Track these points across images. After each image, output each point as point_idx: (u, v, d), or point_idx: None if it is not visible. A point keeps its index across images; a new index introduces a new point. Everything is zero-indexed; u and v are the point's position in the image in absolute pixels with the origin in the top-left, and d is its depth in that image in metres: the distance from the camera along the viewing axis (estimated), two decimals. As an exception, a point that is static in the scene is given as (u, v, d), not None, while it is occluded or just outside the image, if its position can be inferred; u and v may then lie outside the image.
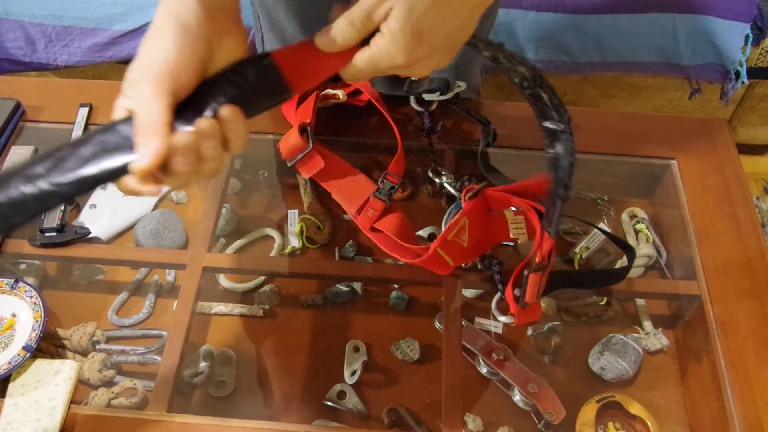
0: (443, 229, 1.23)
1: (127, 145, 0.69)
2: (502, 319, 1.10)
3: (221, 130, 0.72)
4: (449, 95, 1.31)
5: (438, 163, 1.30)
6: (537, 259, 1.01)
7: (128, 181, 0.70)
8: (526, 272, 1.01)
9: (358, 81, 0.82)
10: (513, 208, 1.14)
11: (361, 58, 0.78)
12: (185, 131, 0.69)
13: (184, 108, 0.70)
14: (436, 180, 1.29)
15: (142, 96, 0.69)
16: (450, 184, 1.28)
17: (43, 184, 0.69)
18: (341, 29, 0.76)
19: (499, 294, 1.13)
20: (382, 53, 0.76)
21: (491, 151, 1.30)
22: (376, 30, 0.76)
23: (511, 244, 1.25)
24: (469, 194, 1.10)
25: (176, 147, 0.69)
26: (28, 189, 0.69)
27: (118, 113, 0.72)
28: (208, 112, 0.71)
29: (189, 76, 0.71)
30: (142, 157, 0.68)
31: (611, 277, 1.19)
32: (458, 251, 1.10)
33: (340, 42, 0.77)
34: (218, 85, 0.73)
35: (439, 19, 0.76)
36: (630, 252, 1.18)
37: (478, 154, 1.29)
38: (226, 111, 0.72)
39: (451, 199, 1.28)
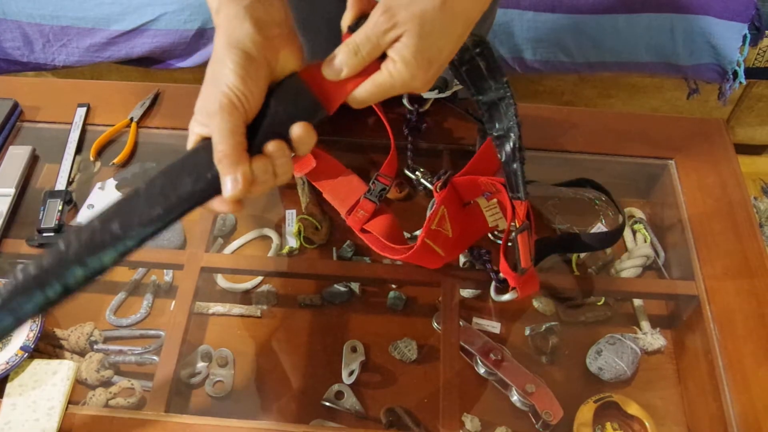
0: (427, 213, 1.24)
1: (208, 171, 0.75)
2: (505, 297, 1.11)
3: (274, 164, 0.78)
4: (447, 93, 1.31)
5: (420, 161, 1.31)
6: (517, 223, 1.03)
7: (216, 204, 0.78)
8: (513, 234, 1.04)
9: (365, 106, 0.82)
10: (485, 194, 1.14)
11: (372, 85, 0.79)
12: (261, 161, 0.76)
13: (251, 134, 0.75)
14: (412, 176, 1.30)
15: (219, 127, 0.72)
16: (427, 180, 1.28)
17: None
18: (346, 60, 0.77)
19: (494, 282, 1.14)
20: (395, 80, 0.77)
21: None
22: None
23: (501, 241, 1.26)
24: (439, 185, 1.13)
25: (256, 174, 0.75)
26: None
27: (191, 138, 0.78)
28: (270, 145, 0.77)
29: (257, 102, 0.74)
30: (233, 185, 0.75)
31: (602, 240, 1.20)
32: (444, 241, 1.11)
33: (347, 72, 0.78)
34: (266, 116, 0.76)
35: (446, 40, 0.77)
36: (621, 214, 1.20)
37: (475, 149, 1.29)
38: (273, 147, 0.77)
39: (431, 194, 1.29)
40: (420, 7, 0.74)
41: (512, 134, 0.97)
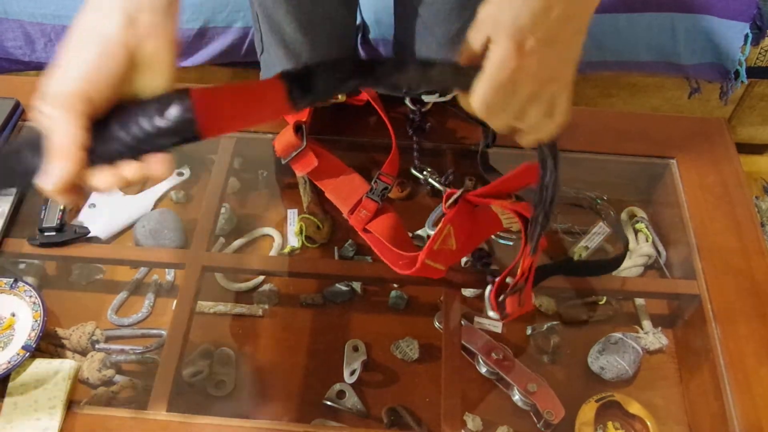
0: (427, 230, 1.22)
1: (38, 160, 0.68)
2: (491, 314, 1.08)
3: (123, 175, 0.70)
4: (448, 97, 1.31)
5: (425, 160, 1.30)
6: (518, 274, 1.01)
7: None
8: (501, 298, 1.03)
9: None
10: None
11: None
12: (99, 175, 0.68)
13: (98, 131, 0.68)
14: (419, 176, 1.30)
15: (58, 115, 0.66)
16: (435, 179, 1.28)
17: None
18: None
19: (489, 287, 1.13)
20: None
21: (491, 151, 1.30)
22: None
23: (508, 242, 1.26)
24: (449, 201, 1.07)
25: (86, 178, 0.68)
26: None
27: (37, 118, 0.69)
28: (117, 150, 0.69)
29: (107, 95, 0.68)
30: (48, 178, 0.67)
31: (603, 267, 1.20)
32: (447, 255, 1.09)
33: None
34: (130, 119, 0.69)
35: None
36: (625, 244, 1.19)
37: (478, 154, 1.29)
38: (130, 171, 0.70)
39: (437, 193, 1.29)
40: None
41: (548, 197, 0.93)
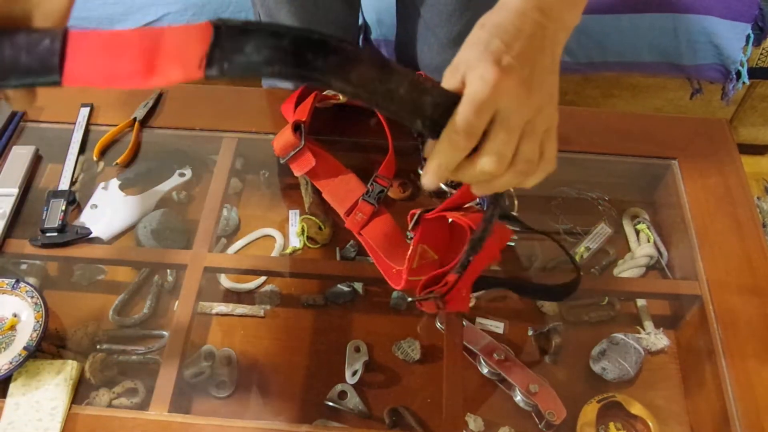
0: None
1: None
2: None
3: None
4: None
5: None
6: (439, 284, 1.01)
7: None
8: (416, 301, 1.04)
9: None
10: None
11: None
12: None
13: None
14: None
15: None
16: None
17: None
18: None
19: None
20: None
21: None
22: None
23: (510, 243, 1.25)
24: (411, 224, 1.06)
25: None
26: None
27: None
28: None
29: None
30: None
31: (552, 292, 1.20)
32: (432, 266, 1.08)
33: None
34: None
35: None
36: (576, 272, 1.16)
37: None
38: None
39: (443, 195, 1.30)
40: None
41: (484, 229, 0.92)
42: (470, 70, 0.69)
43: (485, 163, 0.71)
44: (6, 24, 0.64)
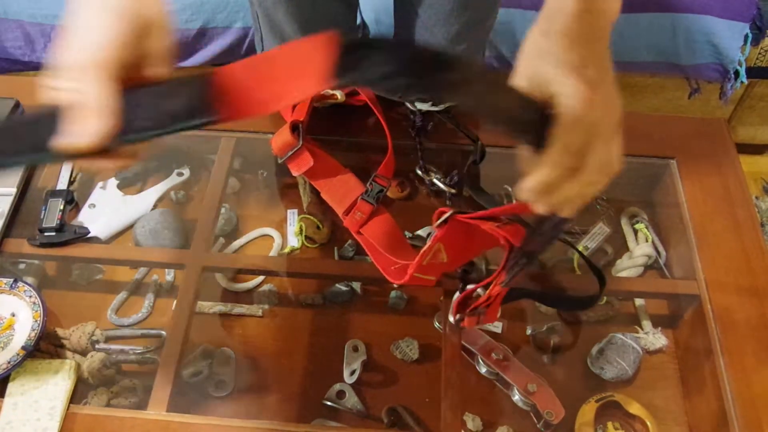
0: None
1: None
2: (450, 318, 1.09)
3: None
4: (441, 107, 1.31)
5: (427, 161, 1.30)
6: (482, 298, 1.01)
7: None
8: (458, 317, 1.04)
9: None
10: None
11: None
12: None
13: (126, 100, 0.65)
14: (425, 177, 1.30)
15: (85, 80, 0.63)
16: (440, 180, 1.28)
17: None
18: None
19: (457, 294, 1.13)
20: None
21: (492, 151, 1.29)
22: None
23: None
24: (438, 221, 1.03)
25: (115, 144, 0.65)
26: None
27: (51, 96, 0.66)
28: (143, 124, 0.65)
29: (126, 60, 0.66)
30: (79, 136, 0.63)
31: (577, 302, 1.20)
32: (438, 268, 1.08)
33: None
34: (152, 96, 0.66)
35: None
36: (601, 279, 1.15)
37: (464, 171, 1.28)
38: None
39: (441, 194, 1.31)
40: None
41: (542, 241, 0.92)
42: (557, 87, 0.70)
43: (592, 175, 0.73)
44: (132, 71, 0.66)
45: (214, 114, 0.65)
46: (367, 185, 1.18)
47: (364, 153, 1.36)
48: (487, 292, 1.01)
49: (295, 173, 1.21)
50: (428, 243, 1.04)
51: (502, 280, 0.98)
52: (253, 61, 0.65)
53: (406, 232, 1.26)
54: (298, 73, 0.63)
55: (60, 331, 1.17)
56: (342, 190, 1.19)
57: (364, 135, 1.35)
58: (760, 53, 2.10)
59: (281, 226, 1.34)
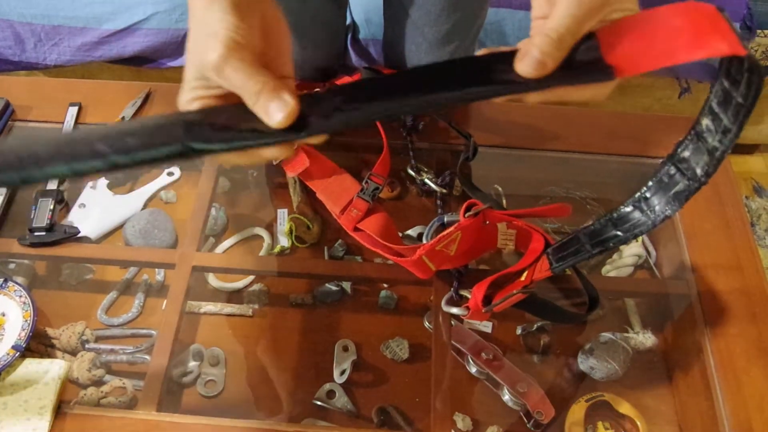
0: (425, 233, 1.22)
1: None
2: (454, 310, 1.09)
3: None
4: None
5: (418, 160, 1.30)
6: (526, 280, 1.01)
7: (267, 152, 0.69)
8: (515, 291, 1.00)
9: None
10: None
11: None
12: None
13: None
14: (417, 177, 1.30)
15: (246, 73, 0.65)
16: (431, 180, 1.28)
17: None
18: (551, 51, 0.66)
19: (451, 291, 1.14)
20: None
21: (483, 151, 1.30)
22: None
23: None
24: (468, 213, 1.05)
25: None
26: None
27: (193, 106, 0.68)
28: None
29: (259, 41, 0.68)
30: (282, 106, 0.65)
31: (567, 316, 1.20)
32: (443, 259, 1.10)
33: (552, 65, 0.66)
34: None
35: None
36: (594, 300, 1.15)
37: (457, 168, 1.28)
38: None
39: (432, 194, 1.30)
40: None
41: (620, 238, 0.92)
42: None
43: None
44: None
45: (608, 71, 0.66)
46: (363, 183, 1.18)
47: (357, 153, 1.36)
48: (526, 275, 1.01)
49: (290, 175, 1.21)
50: (450, 228, 1.05)
51: (545, 266, 0.98)
52: (632, 21, 0.65)
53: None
54: (692, 35, 0.62)
55: (50, 331, 1.17)
56: (338, 190, 1.19)
57: (357, 135, 1.35)
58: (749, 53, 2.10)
59: (271, 226, 1.34)
